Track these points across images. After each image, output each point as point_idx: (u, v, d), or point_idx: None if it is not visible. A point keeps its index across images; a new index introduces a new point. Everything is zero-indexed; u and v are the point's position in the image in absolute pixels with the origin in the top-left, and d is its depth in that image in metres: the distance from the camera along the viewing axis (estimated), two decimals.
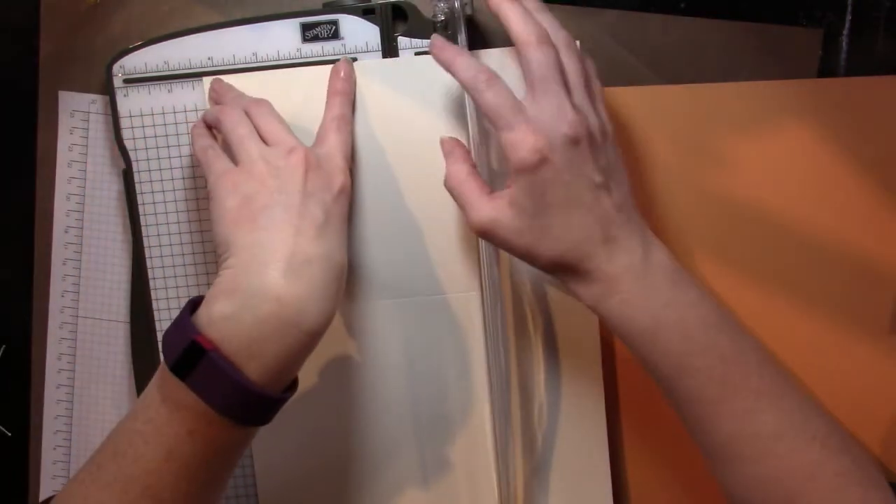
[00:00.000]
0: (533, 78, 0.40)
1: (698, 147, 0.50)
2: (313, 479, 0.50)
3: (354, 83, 0.48)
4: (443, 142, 0.45)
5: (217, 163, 0.43)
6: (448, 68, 0.42)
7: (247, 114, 0.45)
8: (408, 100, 0.48)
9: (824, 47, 0.50)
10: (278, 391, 0.40)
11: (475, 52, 0.47)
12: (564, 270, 0.41)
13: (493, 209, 0.41)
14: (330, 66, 0.48)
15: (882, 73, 0.49)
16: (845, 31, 0.50)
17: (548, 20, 0.42)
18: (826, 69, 0.50)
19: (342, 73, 0.47)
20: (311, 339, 0.39)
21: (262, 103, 0.45)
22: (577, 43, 0.43)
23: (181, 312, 0.39)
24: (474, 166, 0.43)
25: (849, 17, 0.50)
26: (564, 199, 0.40)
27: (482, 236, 0.42)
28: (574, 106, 0.40)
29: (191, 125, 0.49)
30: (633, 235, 0.41)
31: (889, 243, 0.49)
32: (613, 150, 0.42)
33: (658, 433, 0.51)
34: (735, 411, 0.39)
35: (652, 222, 0.50)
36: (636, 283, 0.40)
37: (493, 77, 0.40)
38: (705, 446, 0.41)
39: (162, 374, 0.39)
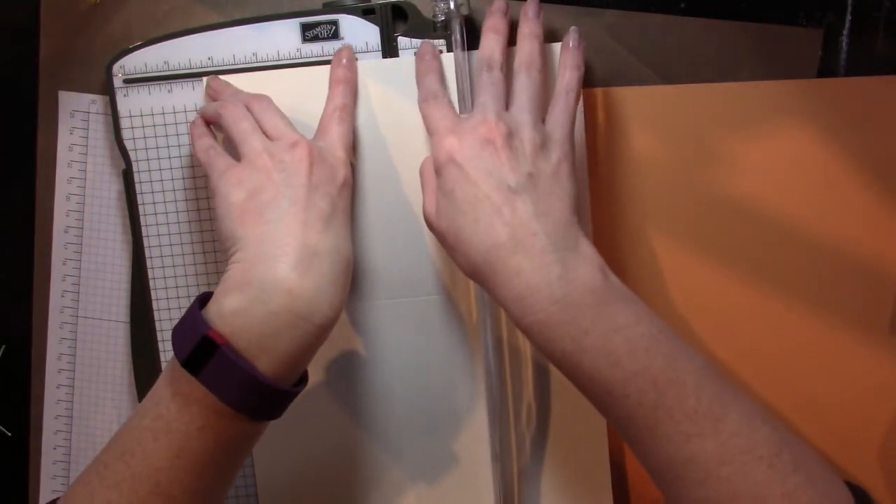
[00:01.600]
0: (475, 97, 0.43)
1: (698, 147, 0.50)
2: (313, 479, 0.50)
3: (356, 71, 0.48)
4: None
5: (220, 161, 0.43)
6: (416, 77, 0.46)
7: (248, 109, 0.45)
8: (408, 100, 0.48)
9: (824, 47, 0.50)
10: (289, 384, 0.40)
11: (472, 52, 0.47)
12: (483, 281, 0.40)
13: (430, 206, 0.42)
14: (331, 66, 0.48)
15: (882, 73, 0.49)
16: (845, 31, 0.50)
17: (527, 47, 0.44)
18: (826, 69, 0.50)
19: (344, 60, 0.47)
20: (321, 332, 0.40)
21: (263, 98, 0.46)
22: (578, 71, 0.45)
23: (191, 307, 0.39)
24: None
25: (849, 17, 0.50)
26: (472, 198, 0.40)
27: (430, 230, 0.43)
28: (500, 116, 0.41)
29: (190, 125, 0.49)
30: (551, 250, 0.38)
31: (889, 243, 0.49)
32: (553, 165, 0.41)
33: None
34: (671, 435, 0.37)
35: (651, 223, 0.50)
36: (553, 305, 0.38)
37: (440, 96, 0.44)
38: (646, 466, 0.39)
39: (172, 371, 0.39)
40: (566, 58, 0.45)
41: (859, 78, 0.50)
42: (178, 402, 0.38)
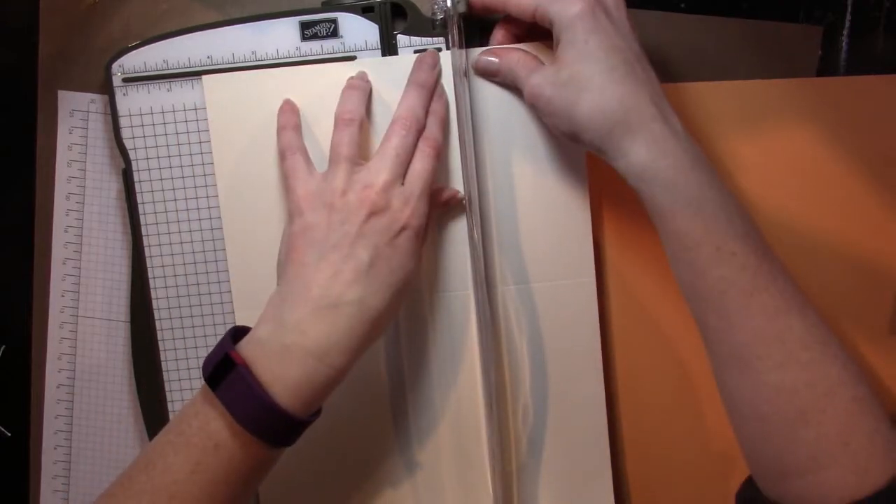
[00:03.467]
0: None
1: (697, 145, 0.50)
2: (312, 477, 0.50)
3: (447, 105, 0.47)
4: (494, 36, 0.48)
5: (299, 171, 0.44)
6: None
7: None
8: None
9: (824, 46, 0.50)
10: (302, 414, 0.41)
11: (470, 49, 0.47)
12: (607, 128, 0.41)
13: (539, 74, 0.43)
14: (339, 63, 0.48)
15: (882, 73, 0.49)
16: (845, 30, 0.50)
17: None
18: (826, 68, 0.50)
19: (434, 131, 0.46)
20: (334, 373, 0.41)
21: (433, 137, 0.45)
22: None
23: (225, 334, 0.42)
24: (526, 52, 0.46)
25: (849, 17, 0.50)
26: (610, 47, 0.41)
27: (530, 102, 0.44)
28: None
29: (190, 124, 0.49)
30: (672, 110, 0.41)
31: (889, 243, 0.49)
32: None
33: (659, 433, 0.51)
34: (765, 307, 0.39)
35: (651, 221, 0.50)
36: (684, 153, 0.40)
37: None
38: (725, 346, 0.40)
39: (200, 393, 0.41)
40: None
41: (859, 77, 0.50)
42: (199, 419, 0.40)
